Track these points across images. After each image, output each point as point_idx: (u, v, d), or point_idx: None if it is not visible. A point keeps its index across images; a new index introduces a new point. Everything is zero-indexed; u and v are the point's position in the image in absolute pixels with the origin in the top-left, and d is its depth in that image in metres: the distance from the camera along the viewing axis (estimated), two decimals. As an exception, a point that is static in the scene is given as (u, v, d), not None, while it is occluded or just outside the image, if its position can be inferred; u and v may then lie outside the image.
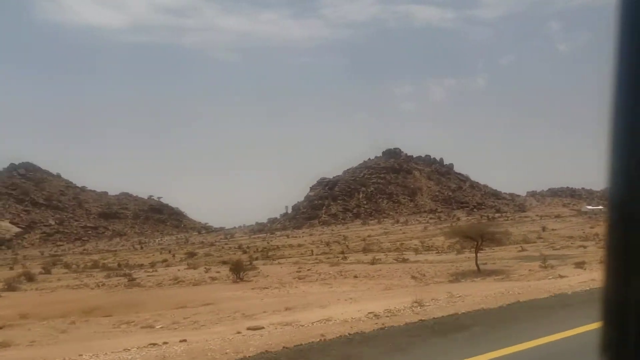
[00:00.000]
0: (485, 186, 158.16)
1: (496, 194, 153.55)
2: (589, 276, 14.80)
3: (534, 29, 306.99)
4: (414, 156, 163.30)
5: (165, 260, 68.48)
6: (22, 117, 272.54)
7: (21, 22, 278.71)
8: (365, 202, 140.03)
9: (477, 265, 26.42)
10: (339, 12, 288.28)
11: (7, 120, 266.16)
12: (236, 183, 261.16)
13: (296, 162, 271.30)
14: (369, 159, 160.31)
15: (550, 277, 17.90)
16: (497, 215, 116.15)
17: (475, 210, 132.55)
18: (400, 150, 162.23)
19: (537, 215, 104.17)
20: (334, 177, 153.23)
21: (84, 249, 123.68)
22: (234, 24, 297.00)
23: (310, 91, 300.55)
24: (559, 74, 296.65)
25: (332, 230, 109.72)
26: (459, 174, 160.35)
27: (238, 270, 29.42)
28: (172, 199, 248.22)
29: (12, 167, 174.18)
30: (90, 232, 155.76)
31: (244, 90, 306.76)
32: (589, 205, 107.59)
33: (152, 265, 56.62)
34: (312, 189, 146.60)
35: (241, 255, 66.37)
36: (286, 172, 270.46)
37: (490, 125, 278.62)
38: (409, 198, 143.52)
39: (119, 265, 63.64)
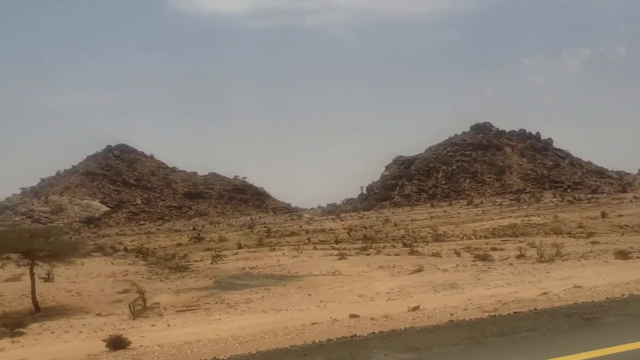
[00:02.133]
0: (588, 163, 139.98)
1: (600, 172, 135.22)
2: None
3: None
4: (507, 131, 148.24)
5: (179, 245, 65.27)
6: (137, 99, 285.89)
7: (154, 12, 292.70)
8: (444, 181, 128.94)
9: (34, 301, 15.84)
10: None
11: (121, 101, 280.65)
12: (325, 163, 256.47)
13: (392, 141, 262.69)
14: (455, 134, 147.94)
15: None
16: (589, 196, 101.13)
17: (568, 190, 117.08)
18: (490, 124, 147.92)
19: (634, 198, 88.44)
20: (415, 154, 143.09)
21: (158, 229, 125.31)
22: (354, 2, 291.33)
23: (425, 67, 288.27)
24: None
25: (393, 212, 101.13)
26: (558, 149, 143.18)
27: None
28: (260, 179, 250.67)
29: (109, 149, 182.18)
30: (174, 211, 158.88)
31: (354, 70, 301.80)
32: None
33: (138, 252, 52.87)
34: (387, 168, 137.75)
35: (258, 239, 61.27)
36: (380, 151, 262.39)
37: (618, 97, 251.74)
38: (495, 177, 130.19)
39: (125, 249, 61.15)
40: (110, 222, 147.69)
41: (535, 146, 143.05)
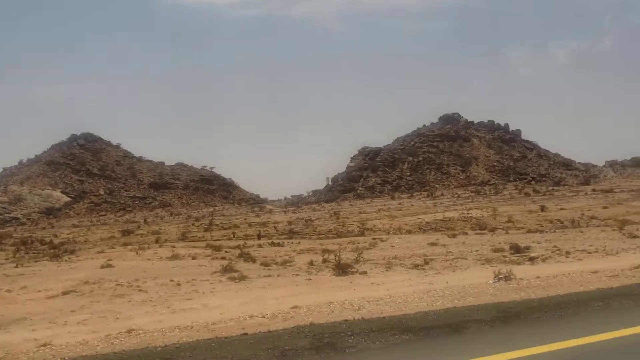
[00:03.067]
0: (556, 155, 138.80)
1: (567, 164, 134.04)
2: None
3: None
4: (475, 122, 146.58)
5: (112, 238, 62.30)
6: (120, 89, 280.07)
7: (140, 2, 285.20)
8: (409, 173, 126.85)
9: None
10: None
11: (104, 91, 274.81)
12: (301, 153, 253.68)
13: (370, 131, 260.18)
14: (423, 125, 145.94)
15: None
16: (550, 188, 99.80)
17: (532, 182, 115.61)
18: (459, 115, 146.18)
19: (592, 190, 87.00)
20: (383, 146, 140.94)
21: (117, 220, 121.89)
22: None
23: (411, 57, 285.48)
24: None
25: (351, 205, 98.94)
26: (526, 141, 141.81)
27: None
28: (233, 170, 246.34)
29: (73, 138, 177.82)
30: (137, 202, 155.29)
31: (339, 60, 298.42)
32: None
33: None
34: (352, 159, 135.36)
35: (182, 233, 58.67)
36: (357, 141, 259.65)
37: (602, 90, 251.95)
38: (460, 169, 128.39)
39: (50, 243, 58.09)
40: (71, 213, 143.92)
41: (503, 137, 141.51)
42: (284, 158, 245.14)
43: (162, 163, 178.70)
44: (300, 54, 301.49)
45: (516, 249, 18.56)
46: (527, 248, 18.76)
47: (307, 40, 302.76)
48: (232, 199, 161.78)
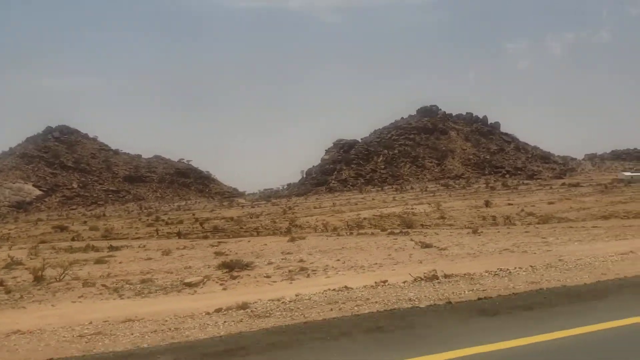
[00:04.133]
0: (535, 148, 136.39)
1: (545, 157, 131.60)
2: None
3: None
4: (453, 114, 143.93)
5: (44, 234, 59.60)
6: (112, 82, 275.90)
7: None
8: (383, 166, 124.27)
9: None
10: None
11: (97, 84, 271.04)
12: (282, 145, 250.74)
13: (356, 124, 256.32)
14: (402, 118, 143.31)
15: None
16: (521, 182, 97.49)
17: (507, 175, 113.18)
18: (437, 107, 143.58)
19: (562, 184, 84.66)
20: (360, 139, 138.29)
21: (84, 214, 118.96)
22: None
23: (401, 52, 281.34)
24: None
25: (317, 199, 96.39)
26: (505, 134, 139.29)
27: None
28: (215, 163, 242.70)
29: (48, 130, 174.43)
30: (111, 195, 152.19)
31: (333, 53, 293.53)
32: (628, 171, 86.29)
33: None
34: (327, 151, 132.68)
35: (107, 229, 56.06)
36: (342, 133, 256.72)
37: (599, 82, 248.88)
38: (436, 162, 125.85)
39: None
40: (42, 207, 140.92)
41: (481, 130, 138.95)
42: (267, 150, 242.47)
43: (139, 156, 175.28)
44: (289, 47, 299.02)
45: (230, 267, 14.66)
46: (248, 265, 15.07)
47: (300, 33, 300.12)
48: (207, 193, 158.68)
